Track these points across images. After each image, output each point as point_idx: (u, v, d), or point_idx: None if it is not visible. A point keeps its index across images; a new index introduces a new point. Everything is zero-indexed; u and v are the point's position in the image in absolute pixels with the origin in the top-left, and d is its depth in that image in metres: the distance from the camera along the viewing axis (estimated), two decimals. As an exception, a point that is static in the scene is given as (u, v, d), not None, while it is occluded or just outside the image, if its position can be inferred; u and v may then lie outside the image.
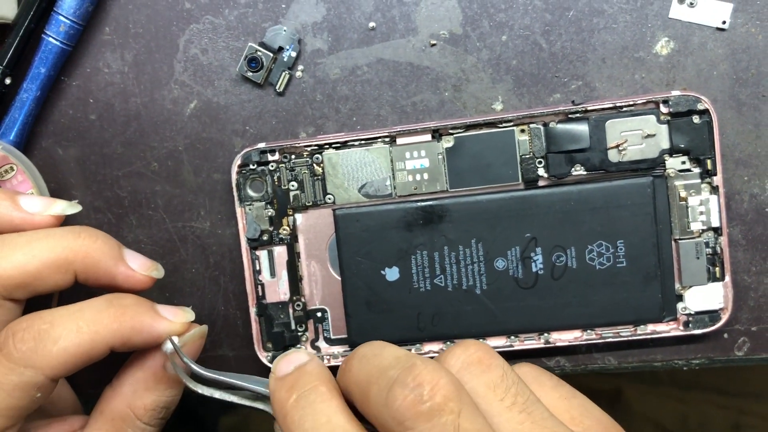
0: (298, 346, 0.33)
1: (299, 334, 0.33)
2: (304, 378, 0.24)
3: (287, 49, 0.33)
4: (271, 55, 0.33)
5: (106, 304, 0.27)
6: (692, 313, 0.32)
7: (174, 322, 0.28)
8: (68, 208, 0.29)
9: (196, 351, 0.29)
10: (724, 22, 0.32)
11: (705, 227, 0.32)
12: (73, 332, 0.25)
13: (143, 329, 0.27)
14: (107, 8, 0.34)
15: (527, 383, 0.24)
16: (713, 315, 0.32)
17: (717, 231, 0.32)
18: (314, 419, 0.22)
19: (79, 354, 0.25)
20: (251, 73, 0.33)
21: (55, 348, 0.25)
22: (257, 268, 0.33)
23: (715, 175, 0.31)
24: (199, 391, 0.27)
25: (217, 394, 0.27)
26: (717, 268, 0.32)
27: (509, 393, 0.23)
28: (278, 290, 0.33)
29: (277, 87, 0.33)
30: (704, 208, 0.32)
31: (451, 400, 0.21)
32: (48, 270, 0.27)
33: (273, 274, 0.33)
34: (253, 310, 0.33)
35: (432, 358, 0.32)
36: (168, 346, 0.27)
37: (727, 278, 0.32)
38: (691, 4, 0.32)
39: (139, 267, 0.29)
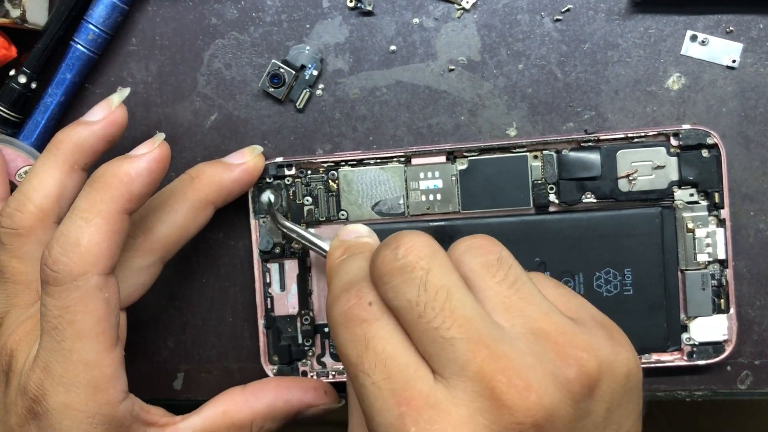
0: (304, 361, 0.33)
1: (306, 348, 0.33)
2: (358, 245, 0.28)
3: (309, 68, 0.34)
4: (294, 72, 0.34)
5: (188, 178, 0.32)
6: (696, 343, 0.32)
7: (247, 162, 0.32)
8: (120, 96, 0.31)
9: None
10: (734, 61, 0.33)
11: (711, 259, 0.32)
12: (183, 206, 0.31)
13: (223, 183, 0.32)
14: (135, 19, 0.35)
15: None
16: (717, 346, 0.32)
17: (723, 263, 0.32)
18: (347, 267, 0.26)
19: (189, 221, 0.31)
20: (273, 89, 0.34)
21: (163, 226, 0.31)
22: (267, 280, 0.33)
23: (723, 208, 0.32)
24: (284, 230, 0.32)
25: (296, 235, 0.32)
26: (722, 300, 0.32)
27: (501, 271, 0.24)
28: (287, 303, 0.33)
29: (297, 104, 0.34)
30: (711, 240, 0.32)
31: (422, 259, 0.23)
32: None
33: (283, 287, 0.33)
34: (261, 323, 0.33)
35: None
36: (264, 198, 0.33)
37: (732, 310, 0.32)
38: (703, 42, 0.33)
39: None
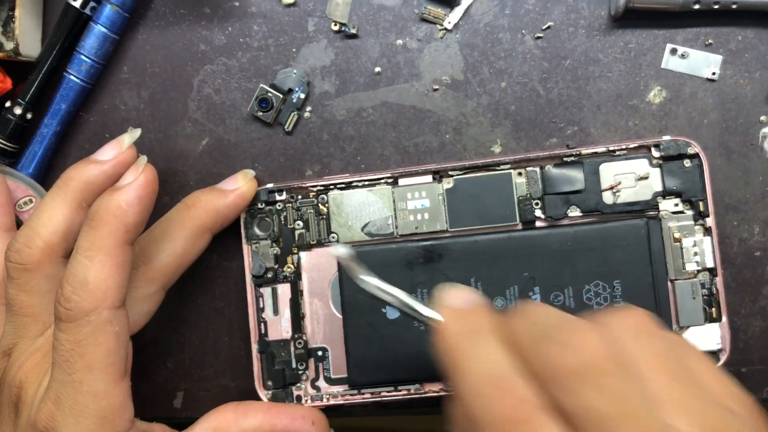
0: (298, 385, 0.34)
1: (300, 372, 0.34)
2: (479, 317, 0.24)
3: (296, 91, 0.35)
4: (281, 96, 0.35)
5: (184, 207, 0.33)
6: (689, 353, 0.33)
7: (240, 187, 0.33)
8: (131, 137, 0.31)
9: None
10: (714, 74, 0.33)
11: (700, 268, 0.32)
12: (181, 235, 0.32)
13: (219, 209, 0.33)
14: (126, 48, 0.35)
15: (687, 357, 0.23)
16: (711, 355, 0.32)
17: (712, 271, 0.32)
18: (484, 357, 0.23)
19: (188, 248, 0.32)
20: (262, 113, 0.35)
21: (163, 255, 0.32)
22: (261, 305, 0.34)
23: (708, 216, 0.32)
24: (370, 290, 0.27)
25: (387, 297, 0.27)
26: (713, 309, 0.32)
27: (669, 361, 0.22)
28: (281, 328, 0.34)
29: (285, 126, 0.35)
30: (698, 249, 0.32)
31: (604, 360, 0.21)
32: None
33: (276, 311, 0.34)
34: (255, 347, 0.34)
35: (436, 396, 0.33)
36: (339, 252, 0.28)
37: (725, 319, 0.32)
38: (683, 55, 0.34)
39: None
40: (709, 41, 0.33)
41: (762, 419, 0.23)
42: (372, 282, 0.27)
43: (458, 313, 0.25)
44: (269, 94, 0.34)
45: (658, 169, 0.32)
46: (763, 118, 0.33)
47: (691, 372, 0.22)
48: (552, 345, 0.21)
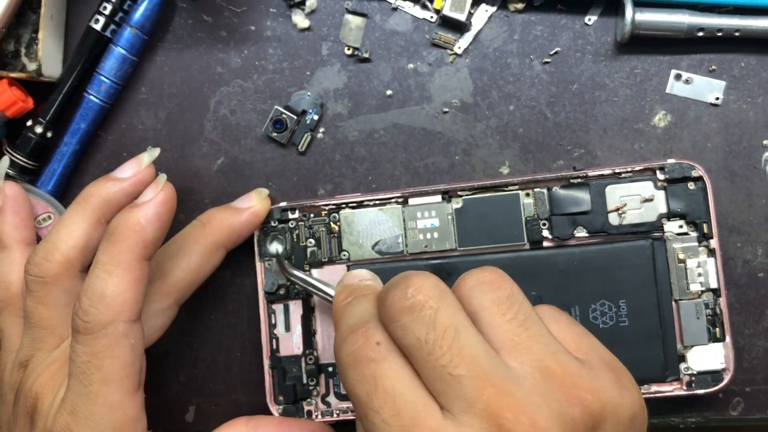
0: (309, 400, 0.34)
1: (310, 388, 0.35)
2: (362, 288, 0.29)
3: (310, 113, 0.36)
4: (295, 117, 0.35)
5: (199, 224, 0.34)
6: (695, 373, 0.33)
7: (254, 206, 0.34)
8: (150, 156, 0.32)
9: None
10: (717, 99, 0.34)
11: (704, 288, 0.33)
12: (196, 251, 0.33)
13: (233, 226, 0.33)
14: (145, 70, 0.37)
15: (542, 318, 0.26)
16: (715, 375, 0.33)
17: (716, 292, 0.33)
18: (353, 310, 0.27)
19: (202, 264, 0.33)
20: (276, 134, 0.36)
21: (178, 271, 0.33)
22: (273, 321, 0.35)
23: (712, 238, 0.33)
24: (292, 278, 0.33)
25: (302, 282, 0.33)
26: (717, 329, 0.33)
27: (511, 309, 0.24)
28: (292, 344, 0.35)
29: (299, 147, 0.36)
30: (702, 269, 0.33)
31: (431, 299, 0.24)
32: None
33: (288, 328, 0.35)
34: (266, 363, 0.34)
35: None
36: (272, 249, 0.35)
37: (728, 339, 0.33)
38: (687, 81, 0.34)
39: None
40: (713, 67, 0.34)
41: (624, 377, 0.25)
42: (297, 274, 0.33)
43: (347, 287, 0.29)
44: (283, 115, 0.35)
45: (662, 192, 0.33)
46: (766, 142, 0.34)
47: (538, 322, 0.25)
48: (393, 290, 0.25)
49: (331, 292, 0.32)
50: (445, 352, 0.23)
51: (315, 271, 0.35)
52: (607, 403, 0.24)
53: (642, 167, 0.33)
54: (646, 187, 0.33)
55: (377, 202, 0.34)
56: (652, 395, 0.33)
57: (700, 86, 0.34)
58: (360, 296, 0.28)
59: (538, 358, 0.24)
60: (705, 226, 0.33)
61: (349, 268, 0.34)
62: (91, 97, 0.36)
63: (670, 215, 0.33)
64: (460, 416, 0.22)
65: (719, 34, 0.33)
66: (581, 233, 0.33)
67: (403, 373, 0.24)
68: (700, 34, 0.33)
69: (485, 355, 0.23)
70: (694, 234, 0.33)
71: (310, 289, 0.33)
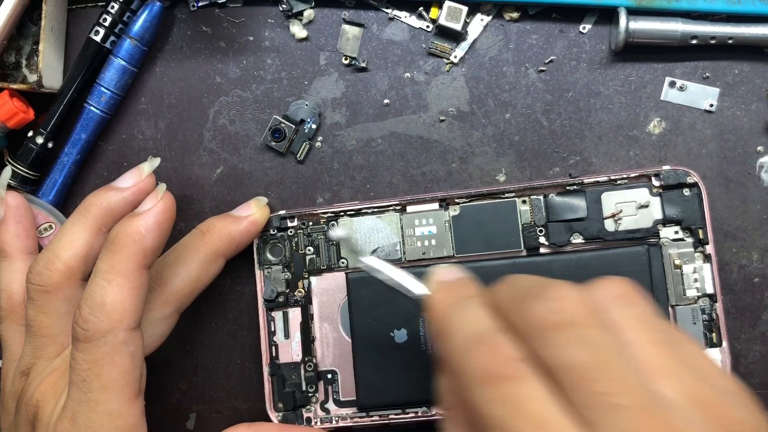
0: (308, 407, 0.35)
1: (309, 394, 0.35)
2: (464, 287, 0.26)
3: (308, 122, 0.36)
4: (294, 126, 0.36)
5: (199, 233, 0.34)
6: (690, 377, 0.33)
7: (253, 214, 0.34)
8: (151, 165, 0.33)
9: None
10: (711, 105, 0.35)
11: (700, 294, 0.33)
12: (196, 259, 0.33)
13: (232, 235, 0.34)
14: (144, 80, 0.37)
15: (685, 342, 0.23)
16: None
17: (712, 297, 0.33)
18: (469, 315, 0.24)
19: (202, 273, 0.33)
20: (275, 143, 0.36)
21: (178, 279, 0.33)
22: (272, 329, 0.35)
23: (707, 243, 0.33)
24: (364, 267, 0.29)
25: (382, 276, 0.29)
26: (714, 334, 0.33)
27: (652, 327, 0.22)
28: (291, 351, 0.35)
29: (297, 156, 0.36)
30: (698, 275, 0.33)
31: (585, 317, 0.22)
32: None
33: (287, 335, 0.35)
34: (266, 370, 0.35)
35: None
36: (338, 234, 0.30)
37: (725, 344, 0.33)
38: (681, 88, 0.35)
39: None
40: (707, 74, 0.35)
41: (750, 398, 0.23)
42: (369, 262, 0.29)
43: (446, 284, 0.26)
44: (282, 124, 0.36)
45: (658, 198, 0.33)
46: (759, 148, 0.35)
47: (677, 344, 0.22)
48: (533, 301, 0.22)
49: (416, 286, 0.28)
50: (603, 377, 0.20)
51: (314, 279, 0.35)
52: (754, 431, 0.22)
53: (637, 174, 0.33)
54: (641, 194, 0.34)
55: (375, 209, 0.34)
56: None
57: (694, 93, 0.35)
58: (468, 298, 0.25)
59: (690, 386, 0.21)
60: (700, 232, 0.33)
61: (348, 276, 0.34)
62: (92, 108, 0.36)
63: (666, 221, 0.33)
64: None
65: (712, 42, 0.33)
66: (578, 240, 0.34)
67: (548, 396, 0.21)
68: (694, 41, 0.33)
69: (643, 383, 0.21)
70: (689, 240, 0.33)
71: (387, 278, 0.28)
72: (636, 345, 0.22)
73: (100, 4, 0.36)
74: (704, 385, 0.22)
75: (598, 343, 0.21)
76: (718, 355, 0.33)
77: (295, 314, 0.35)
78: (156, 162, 0.33)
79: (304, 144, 0.36)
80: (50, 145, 0.36)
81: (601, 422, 0.20)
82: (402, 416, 0.34)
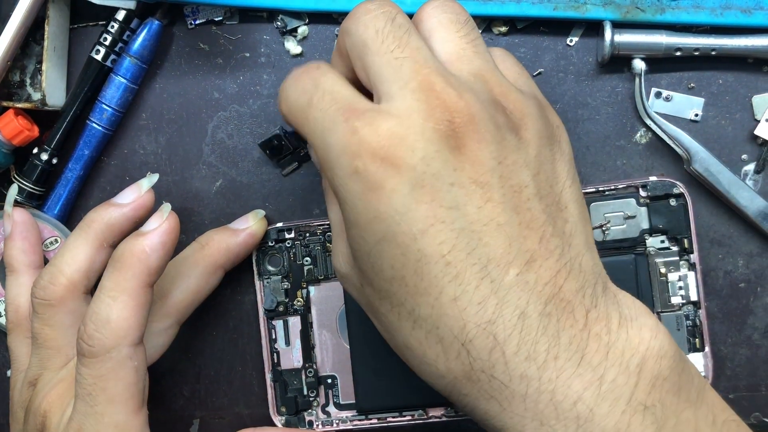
0: (310, 411, 0.36)
1: (311, 399, 0.36)
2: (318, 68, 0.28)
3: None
4: (290, 140, 0.37)
5: (199, 246, 0.35)
6: (675, 381, 0.34)
7: (251, 227, 0.36)
8: (150, 181, 0.33)
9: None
10: (697, 115, 0.35)
11: (684, 301, 0.34)
12: (195, 272, 0.34)
13: (231, 248, 0.35)
14: (144, 97, 0.38)
15: (492, 54, 0.27)
16: None
17: (696, 304, 0.34)
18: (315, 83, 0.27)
19: (201, 285, 0.35)
20: (271, 156, 0.37)
21: (178, 291, 0.34)
22: (273, 337, 0.36)
23: (692, 253, 0.34)
24: None
25: None
26: (697, 339, 0.34)
27: (465, 29, 0.26)
28: (292, 357, 0.36)
29: (294, 169, 0.37)
30: (683, 283, 0.34)
31: (392, 6, 0.26)
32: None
33: (288, 342, 0.36)
34: (269, 376, 0.36)
35: (439, 421, 0.35)
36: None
37: (707, 348, 0.34)
38: (667, 98, 0.36)
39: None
40: (692, 85, 0.35)
41: (549, 108, 0.27)
42: None
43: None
44: (279, 138, 0.37)
45: (645, 208, 0.34)
46: (744, 156, 0.35)
47: (486, 47, 0.26)
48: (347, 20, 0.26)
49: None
50: (397, 42, 0.25)
51: (312, 288, 0.36)
52: (529, 114, 0.25)
53: (625, 185, 0.34)
54: (629, 204, 0.34)
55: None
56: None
57: (679, 103, 0.35)
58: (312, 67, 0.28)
59: (478, 69, 0.25)
60: (686, 241, 0.34)
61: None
62: (94, 125, 0.37)
63: (653, 231, 0.34)
64: (395, 95, 0.24)
65: (696, 53, 0.34)
66: (567, 248, 0.35)
67: (341, 77, 0.26)
68: (678, 53, 0.34)
69: (430, 52, 0.25)
70: (675, 249, 0.34)
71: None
72: (443, 40, 0.26)
73: (100, 23, 0.37)
74: (492, 72, 0.26)
75: (399, 20, 0.25)
76: (700, 360, 0.34)
77: (294, 322, 0.36)
78: (155, 178, 0.34)
79: (300, 157, 0.37)
80: (55, 161, 0.37)
81: (387, 76, 0.24)
82: (399, 419, 0.35)
